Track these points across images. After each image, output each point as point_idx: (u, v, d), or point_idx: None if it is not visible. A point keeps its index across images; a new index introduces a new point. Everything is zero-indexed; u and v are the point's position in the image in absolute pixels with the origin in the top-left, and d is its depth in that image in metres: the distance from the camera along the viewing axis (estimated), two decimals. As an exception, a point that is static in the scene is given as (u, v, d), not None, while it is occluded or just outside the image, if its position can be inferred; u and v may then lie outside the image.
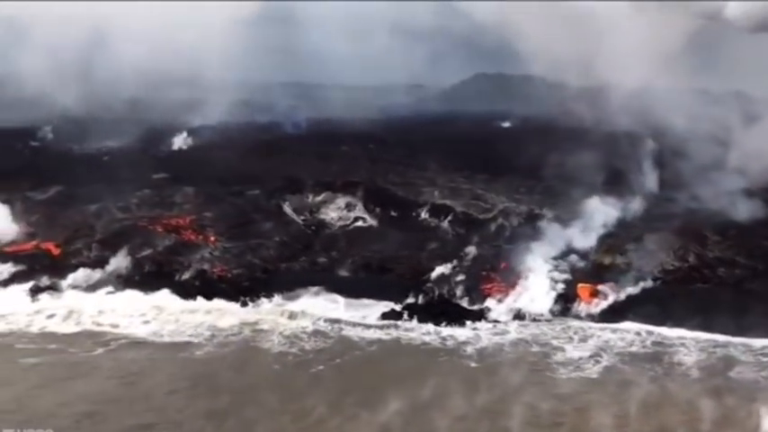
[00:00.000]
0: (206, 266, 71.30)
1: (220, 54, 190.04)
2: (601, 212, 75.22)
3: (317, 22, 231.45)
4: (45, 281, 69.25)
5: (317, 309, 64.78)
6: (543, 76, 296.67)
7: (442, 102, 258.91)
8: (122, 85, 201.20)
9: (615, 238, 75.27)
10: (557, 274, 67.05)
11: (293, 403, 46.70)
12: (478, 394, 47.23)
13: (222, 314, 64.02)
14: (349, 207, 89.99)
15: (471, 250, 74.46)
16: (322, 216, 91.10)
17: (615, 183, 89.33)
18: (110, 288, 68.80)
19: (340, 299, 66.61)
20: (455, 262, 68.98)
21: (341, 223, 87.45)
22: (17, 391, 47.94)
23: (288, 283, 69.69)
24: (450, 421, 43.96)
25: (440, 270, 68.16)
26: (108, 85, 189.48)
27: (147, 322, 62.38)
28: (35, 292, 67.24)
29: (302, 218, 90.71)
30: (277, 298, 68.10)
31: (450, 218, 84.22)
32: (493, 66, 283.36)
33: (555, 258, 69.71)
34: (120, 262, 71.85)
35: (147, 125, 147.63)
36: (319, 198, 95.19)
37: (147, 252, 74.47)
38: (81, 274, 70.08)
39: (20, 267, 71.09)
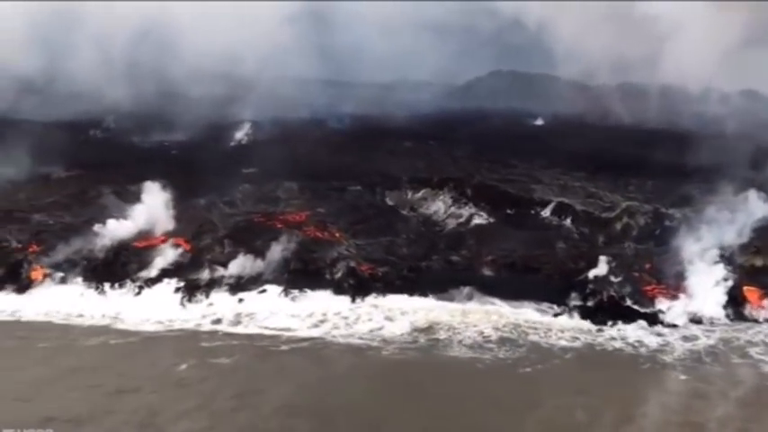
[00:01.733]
0: (352, 264, 65.14)
1: (258, 51, 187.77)
2: (747, 211, 71.70)
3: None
4: (195, 278, 66.77)
5: (484, 311, 62.08)
6: (558, 75, 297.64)
7: (459, 99, 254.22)
8: (166, 81, 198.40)
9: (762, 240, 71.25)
10: (717, 276, 63.33)
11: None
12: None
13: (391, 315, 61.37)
14: (456, 204, 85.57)
15: (623, 250, 72.59)
16: (427, 212, 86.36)
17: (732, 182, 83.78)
18: (262, 287, 63.00)
19: (497, 300, 64.19)
20: (609, 262, 63.31)
21: (452, 221, 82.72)
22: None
23: (436, 283, 66.81)
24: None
25: (596, 270, 62.52)
26: (154, 80, 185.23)
27: (320, 323, 60.84)
28: (190, 290, 64.51)
29: (411, 214, 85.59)
30: (431, 298, 64.54)
31: (571, 216, 78.69)
32: (509, 63, 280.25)
33: (709, 259, 65.79)
34: (257, 259, 69.54)
35: (198, 119, 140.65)
36: (419, 195, 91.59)
37: (280, 249, 70.82)
38: (231, 272, 68.19)
39: (162, 264, 68.65)
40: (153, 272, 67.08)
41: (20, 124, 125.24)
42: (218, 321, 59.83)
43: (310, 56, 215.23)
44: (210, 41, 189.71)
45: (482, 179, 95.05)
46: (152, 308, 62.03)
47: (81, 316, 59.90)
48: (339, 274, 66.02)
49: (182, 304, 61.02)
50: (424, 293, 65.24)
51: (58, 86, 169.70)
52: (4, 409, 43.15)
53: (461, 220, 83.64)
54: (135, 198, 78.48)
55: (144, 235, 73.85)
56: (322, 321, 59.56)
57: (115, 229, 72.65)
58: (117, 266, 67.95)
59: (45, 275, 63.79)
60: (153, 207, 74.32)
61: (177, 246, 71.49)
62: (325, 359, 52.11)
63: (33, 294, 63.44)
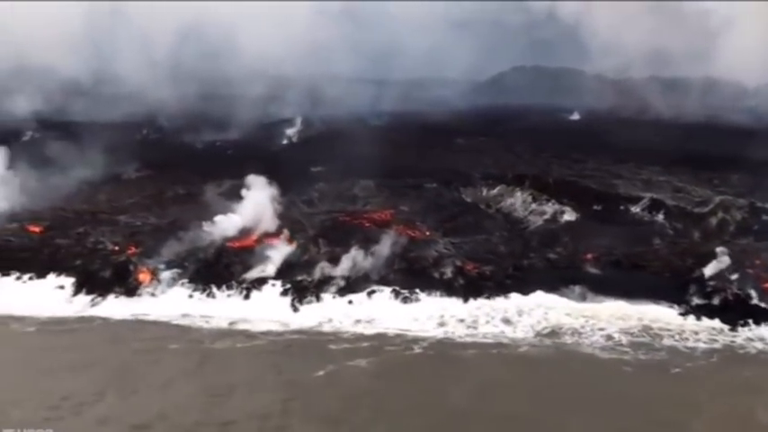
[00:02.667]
0: (458, 263, 63.47)
1: (293, 49, 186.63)
2: None
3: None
4: (302, 279, 65.73)
5: (604, 311, 60.64)
6: (582, 69, 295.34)
7: (485, 94, 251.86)
8: (208, 81, 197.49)
9: None
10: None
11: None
12: None
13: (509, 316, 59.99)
14: (537, 200, 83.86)
15: (731, 246, 68.88)
16: (507, 209, 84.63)
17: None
18: (370, 288, 62.06)
19: (612, 299, 62.69)
20: (725, 258, 61.30)
21: (536, 218, 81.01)
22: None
23: (544, 281, 65.43)
24: None
25: (713, 267, 60.83)
26: (197, 81, 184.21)
27: (441, 325, 59.88)
28: (299, 292, 63.71)
29: (493, 211, 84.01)
30: (544, 297, 63.37)
31: (662, 212, 76.80)
32: (540, 58, 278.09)
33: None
34: (358, 259, 67.78)
35: (244, 118, 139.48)
36: (494, 191, 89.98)
37: (380, 248, 69.31)
38: (338, 272, 66.60)
39: (269, 265, 67.21)
40: (259, 273, 66.29)
41: (76, 126, 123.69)
42: (335, 323, 59.10)
43: (339, 53, 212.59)
44: (249, 41, 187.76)
45: (561, 175, 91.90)
46: (264, 310, 60.81)
47: (199, 318, 59.00)
48: (448, 274, 62.02)
49: (293, 306, 58.32)
50: (531, 292, 63.64)
51: (104, 88, 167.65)
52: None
53: (546, 216, 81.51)
54: (235, 195, 76.98)
55: (246, 232, 72.58)
56: (442, 323, 58.21)
57: (224, 227, 71.45)
58: (221, 267, 66.25)
59: (152, 278, 60.70)
60: (259, 203, 70.90)
61: (275, 245, 69.95)
62: (466, 362, 51.20)
63: (144, 297, 62.89)
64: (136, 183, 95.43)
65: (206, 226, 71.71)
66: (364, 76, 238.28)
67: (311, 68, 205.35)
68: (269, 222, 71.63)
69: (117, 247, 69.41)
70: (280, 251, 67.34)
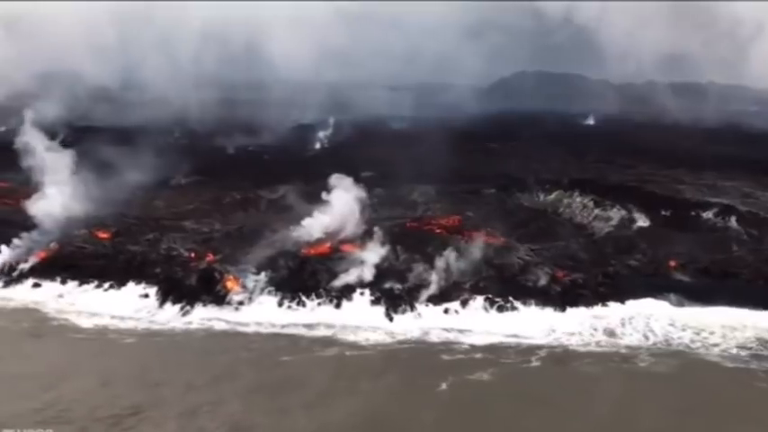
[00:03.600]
0: (547, 270, 62.55)
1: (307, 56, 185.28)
2: None
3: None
4: (390, 288, 64.18)
5: (719, 320, 58.59)
6: (584, 74, 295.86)
7: (491, 99, 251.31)
8: (224, 86, 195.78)
9: None
10: None
11: None
12: None
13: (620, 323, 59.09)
14: (600, 206, 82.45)
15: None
16: (567, 214, 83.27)
17: None
18: (462, 296, 61.39)
19: (710, 307, 61.69)
20: None
21: (601, 223, 79.56)
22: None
23: (636, 289, 64.79)
24: None
25: None
26: (219, 87, 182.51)
27: (552, 332, 58.15)
28: (392, 301, 62.13)
29: (557, 217, 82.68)
30: (635, 302, 62.96)
31: (734, 217, 75.62)
32: (550, 63, 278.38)
33: None
34: (444, 266, 66.18)
35: (269, 123, 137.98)
36: (551, 196, 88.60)
37: (464, 255, 67.86)
38: (426, 280, 64.31)
39: (357, 273, 65.31)
40: (353, 279, 64.45)
41: (104, 131, 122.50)
42: (438, 333, 57.70)
43: (351, 59, 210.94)
44: (269, 47, 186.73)
45: (619, 180, 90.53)
46: (359, 319, 59.23)
47: (302, 327, 57.30)
48: (542, 282, 60.49)
49: (388, 315, 56.55)
50: (627, 300, 63.24)
51: (128, 93, 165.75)
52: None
53: (613, 222, 79.41)
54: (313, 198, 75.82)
55: (330, 237, 71.11)
56: (548, 333, 57.24)
57: (308, 231, 70.57)
58: (306, 274, 64.65)
59: (240, 286, 58.76)
60: (345, 204, 70.76)
61: (362, 251, 68.36)
62: (590, 376, 49.99)
63: (234, 305, 61.32)
64: (187, 189, 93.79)
65: (288, 231, 71.27)
66: (373, 81, 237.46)
67: (327, 74, 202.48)
68: (354, 226, 67.76)
69: (193, 254, 67.04)
70: (368, 257, 64.74)
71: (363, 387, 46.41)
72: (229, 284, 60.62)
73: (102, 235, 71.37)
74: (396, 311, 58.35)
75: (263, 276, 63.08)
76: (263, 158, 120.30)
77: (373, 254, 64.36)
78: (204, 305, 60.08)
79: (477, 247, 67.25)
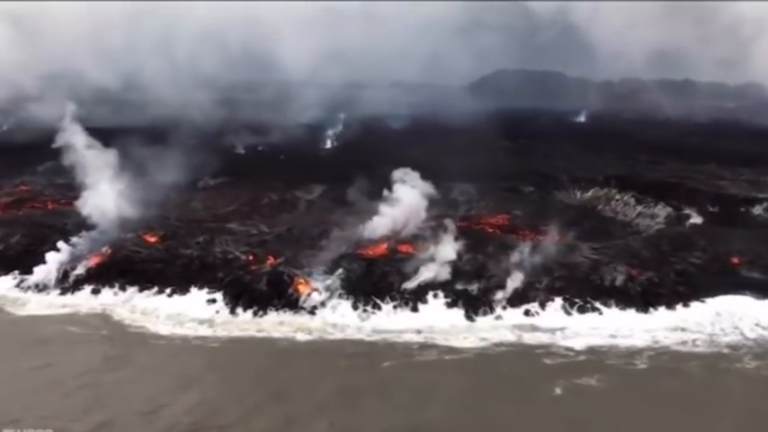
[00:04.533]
0: (619, 269, 60.88)
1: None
2: None
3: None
4: (464, 289, 62.00)
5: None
6: (563, 72, 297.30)
7: (475, 98, 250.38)
8: (224, 87, 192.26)
9: None
10: None
11: None
12: None
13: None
14: (642, 203, 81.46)
15: None
16: (608, 211, 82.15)
17: None
18: (539, 296, 60.37)
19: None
20: None
21: (646, 221, 78.47)
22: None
23: (714, 287, 63.27)
24: None
25: None
26: (212, 87, 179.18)
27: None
28: (471, 303, 60.04)
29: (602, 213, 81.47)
30: (717, 300, 61.30)
31: None
32: (538, 62, 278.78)
33: None
34: (512, 266, 64.36)
35: (271, 122, 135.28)
36: (588, 194, 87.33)
37: (529, 255, 65.95)
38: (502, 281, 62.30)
39: (427, 274, 63.15)
40: (419, 281, 62.49)
41: (106, 132, 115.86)
42: (530, 335, 55.87)
43: (341, 59, 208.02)
44: (262, 47, 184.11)
45: (658, 177, 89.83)
46: (441, 321, 57.18)
47: (393, 333, 54.95)
48: (618, 281, 58.90)
49: (468, 317, 54.48)
50: (706, 299, 61.90)
51: (129, 94, 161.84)
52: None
53: (659, 219, 78.16)
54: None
55: (395, 236, 69.28)
56: (645, 333, 55.63)
57: (372, 231, 69.00)
58: (376, 276, 62.41)
59: (312, 289, 56.35)
60: (411, 200, 67.93)
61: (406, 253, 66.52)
62: (705, 381, 48.23)
63: (308, 309, 59.34)
64: (220, 190, 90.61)
65: (347, 230, 69.83)
66: (360, 80, 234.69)
67: (315, 73, 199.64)
68: (420, 222, 67.96)
69: (251, 257, 63.57)
70: (442, 255, 63.69)
71: (479, 392, 45.65)
72: (301, 288, 57.46)
73: (151, 238, 68.68)
74: (476, 313, 55.12)
75: (333, 279, 60.11)
76: (279, 158, 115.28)
77: (448, 250, 61.38)
78: (276, 310, 57.32)
79: (539, 246, 64.07)
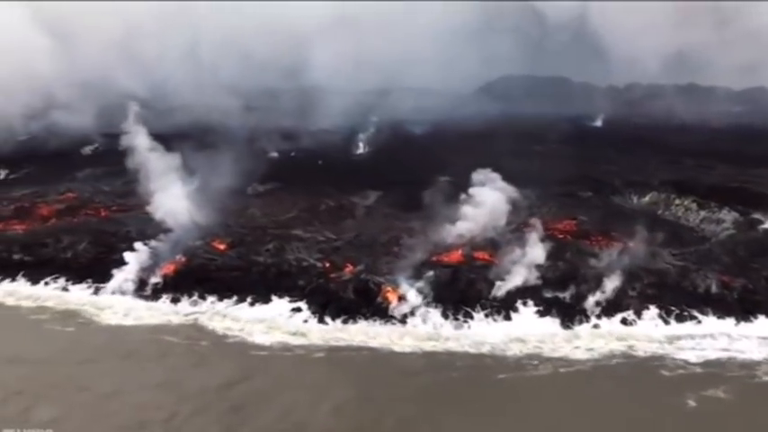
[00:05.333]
0: (709, 276, 58.72)
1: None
2: None
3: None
4: (553, 297, 60.08)
5: None
6: (568, 77, 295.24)
7: (482, 103, 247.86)
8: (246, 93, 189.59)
9: None
10: None
11: None
12: None
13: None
14: (703, 208, 79.20)
15: None
16: (668, 217, 79.88)
17: None
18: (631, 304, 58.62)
19: None
20: None
21: (712, 226, 76.18)
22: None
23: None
24: None
25: None
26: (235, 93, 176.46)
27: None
28: (566, 312, 57.68)
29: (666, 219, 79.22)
30: None
31: None
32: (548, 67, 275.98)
33: None
34: (599, 273, 61.99)
35: (295, 128, 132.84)
36: (646, 198, 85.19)
37: (616, 263, 63.73)
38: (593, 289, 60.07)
39: (516, 281, 61.32)
40: (508, 287, 60.72)
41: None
42: (638, 345, 53.67)
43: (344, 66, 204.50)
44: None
45: (718, 181, 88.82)
46: (538, 330, 55.69)
47: (499, 344, 52.64)
48: (713, 289, 56.87)
49: (566, 326, 52.09)
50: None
51: (156, 101, 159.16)
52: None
53: (726, 224, 75.74)
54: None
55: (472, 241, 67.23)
56: (762, 339, 52.93)
57: (454, 236, 66.86)
58: (462, 283, 60.89)
59: (401, 297, 53.99)
60: (494, 203, 66.29)
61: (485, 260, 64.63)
62: None
63: (399, 318, 57.17)
64: (272, 196, 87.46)
65: (423, 236, 68.03)
66: (365, 87, 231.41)
67: (335, 80, 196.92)
68: (502, 227, 66.70)
69: (327, 264, 61.63)
70: (531, 257, 61.86)
71: (614, 407, 44.13)
72: (390, 296, 54.96)
73: (220, 246, 65.93)
74: (572, 322, 52.36)
75: (421, 286, 58.63)
76: (318, 163, 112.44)
77: (538, 252, 60.63)
78: (366, 318, 55.73)
79: (622, 252, 61.25)
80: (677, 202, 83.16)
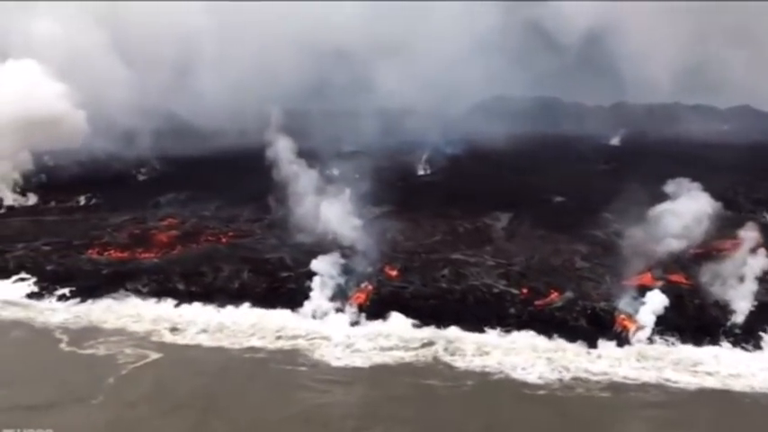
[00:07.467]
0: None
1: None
2: None
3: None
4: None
5: None
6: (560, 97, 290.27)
7: (478, 124, 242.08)
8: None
9: None
10: None
11: None
12: None
13: None
14: None
15: None
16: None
17: None
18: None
19: None
20: None
21: None
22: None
23: None
24: None
25: None
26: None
27: None
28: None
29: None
30: None
31: None
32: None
33: None
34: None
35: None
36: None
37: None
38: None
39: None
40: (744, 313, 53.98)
41: (184, 160, 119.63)
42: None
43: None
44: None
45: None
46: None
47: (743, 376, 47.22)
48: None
49: None
50: None
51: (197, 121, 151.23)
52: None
53: None
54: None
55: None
56: None
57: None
58: (689, 308, 56.32)
59: (638, 325, 48.69)
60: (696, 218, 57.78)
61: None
62: None
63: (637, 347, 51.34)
64: (397, 219, 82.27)
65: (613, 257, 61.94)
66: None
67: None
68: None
69: (524, 290, 58.63)
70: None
71: None
72: (626, 323, 50.27)
73: (391, 272, 58.41)
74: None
75: (652, 313, 52.55)
76: (398, 185, 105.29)
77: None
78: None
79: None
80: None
